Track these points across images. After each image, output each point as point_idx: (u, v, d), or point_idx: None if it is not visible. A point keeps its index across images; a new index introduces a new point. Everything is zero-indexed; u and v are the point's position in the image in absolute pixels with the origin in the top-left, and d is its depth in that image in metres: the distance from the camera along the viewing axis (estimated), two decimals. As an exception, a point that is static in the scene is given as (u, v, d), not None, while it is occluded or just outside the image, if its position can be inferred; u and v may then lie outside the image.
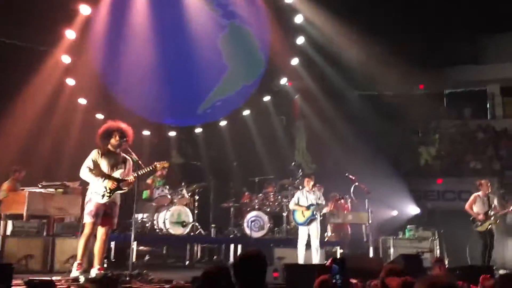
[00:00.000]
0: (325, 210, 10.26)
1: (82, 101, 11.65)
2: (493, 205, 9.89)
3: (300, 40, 12.39)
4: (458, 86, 18.37)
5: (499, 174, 16.17)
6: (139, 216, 9.75)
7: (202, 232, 10.30)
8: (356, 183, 10.15)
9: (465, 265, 9.32)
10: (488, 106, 18.55)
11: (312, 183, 9.51)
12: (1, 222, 7.85)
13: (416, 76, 16.84)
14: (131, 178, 6.63)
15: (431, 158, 17.68)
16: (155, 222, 9.82)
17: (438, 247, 10.78)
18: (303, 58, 12.92)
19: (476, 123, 18.12)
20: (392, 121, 16.41)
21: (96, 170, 6.54)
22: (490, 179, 15.30)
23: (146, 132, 12.82)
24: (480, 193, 10.03)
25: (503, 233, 14.98)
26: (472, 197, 10.08)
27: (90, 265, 6.72)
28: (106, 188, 6.46)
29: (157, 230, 9.76)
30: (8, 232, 7.42)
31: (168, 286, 5.98)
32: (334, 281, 3.18)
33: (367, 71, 16.20)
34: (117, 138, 6.64)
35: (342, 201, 11.25)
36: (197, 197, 10.67)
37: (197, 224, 10.23)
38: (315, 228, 9.29)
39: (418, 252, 8.73)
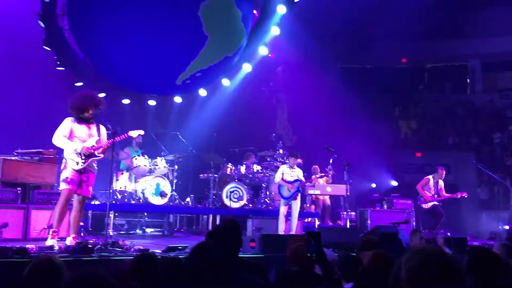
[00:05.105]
0: (307, 185, 10.41)
1: (61, 68, 11.38)
2: (440, 189, 10.75)
3: (282, 10, 12.19)
4: (439, 61, 18.40)
5: (477, 149, 16.44)
6: (117, 185, 9.70)
7: (181, 202, 10.29)
8: (336, 155, 10.22)
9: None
10: (468, 81, 18.66)
11: (296, 161, 9.71)
12: (-25, 189, 7.72)
13: (398, 50, 16.84)
14: (105, 144, 6.55)
15: (411, 132, 17.86)
16: (133, 192, 9.76)
17: (414, 218, 10.96)
18: (285, 29, 12.74)
19: (456, 98, 18.27)
20: (373, 94, 16.45)
21: (69, 137, 6.45)
22: (467, 153, 15.72)
23: (126, 101, 12.65)
24: (433, 177, 10.83)
25: (477, 207, 15.36)
26: (425, 179, 10.89)
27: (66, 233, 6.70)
28: (80, 154, 6.38)
29: (136, 200, 9.71)
30: (-18, 200, 7.28)
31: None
32: (309, 254, 3.16)
33: (350, 44, 16.16)
34: (91, 111, 6.55)
35: (326, 178, 11.41)
36: (176, 167, 10.62)
37: (175, 194, 10.21)
38: (297, 202, 9.67)
39: (394, 223, 8.83)
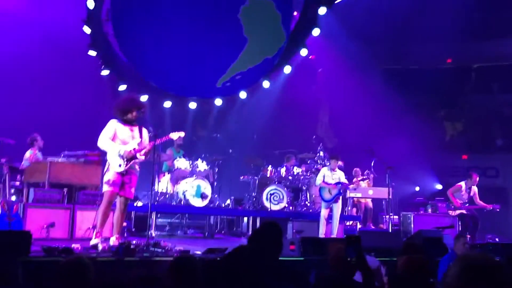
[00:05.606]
0: (351, 187, 10.29)
1: (105, 72, 11.67)
2: (473, 195, 10.27)
3: (323, 11, 12.10)
4: (486, 60, 17.79)
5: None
6: (159, 187, 9.84)
7: (221, 204, 10.34)
8: (376, 158, 10.04)
9: (488, 242, 9.27)
10: (517, 81, 17.96)
11: (338, 163, 9.60)
12: (24, 190, 8.02)
13: (443, 50, 16.41)
14: (147, 146, 6.66)
15: (457, 133, 17.34)
16: (174, 193, 9.89)
17: (460, 223, 10.62)
18: (326, 30, 12.63)
19: (504, 98, 17.60)
20: (417, 95, 16.08)
21: (113, 139, 6.59)
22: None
23: (167, 104, 12.84)
24: (466, 183, 10.35)
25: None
26: (456, 185, 10.42)
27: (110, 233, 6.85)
28: (123, 157, 6.51)
29: (177, 202, 9.83)
30: (30, 200, 7.54)
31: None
32: (349, 259, 3.10)
33: (392, 45, 15.87)
34: (134, 113, 6.68)
35: (367, 181, 11.24)
36: (216, 169, 10.69)
37: (216, 196, 10.27)
38: (339, 204, 9.58)
39: (438, 228, 8.59)
